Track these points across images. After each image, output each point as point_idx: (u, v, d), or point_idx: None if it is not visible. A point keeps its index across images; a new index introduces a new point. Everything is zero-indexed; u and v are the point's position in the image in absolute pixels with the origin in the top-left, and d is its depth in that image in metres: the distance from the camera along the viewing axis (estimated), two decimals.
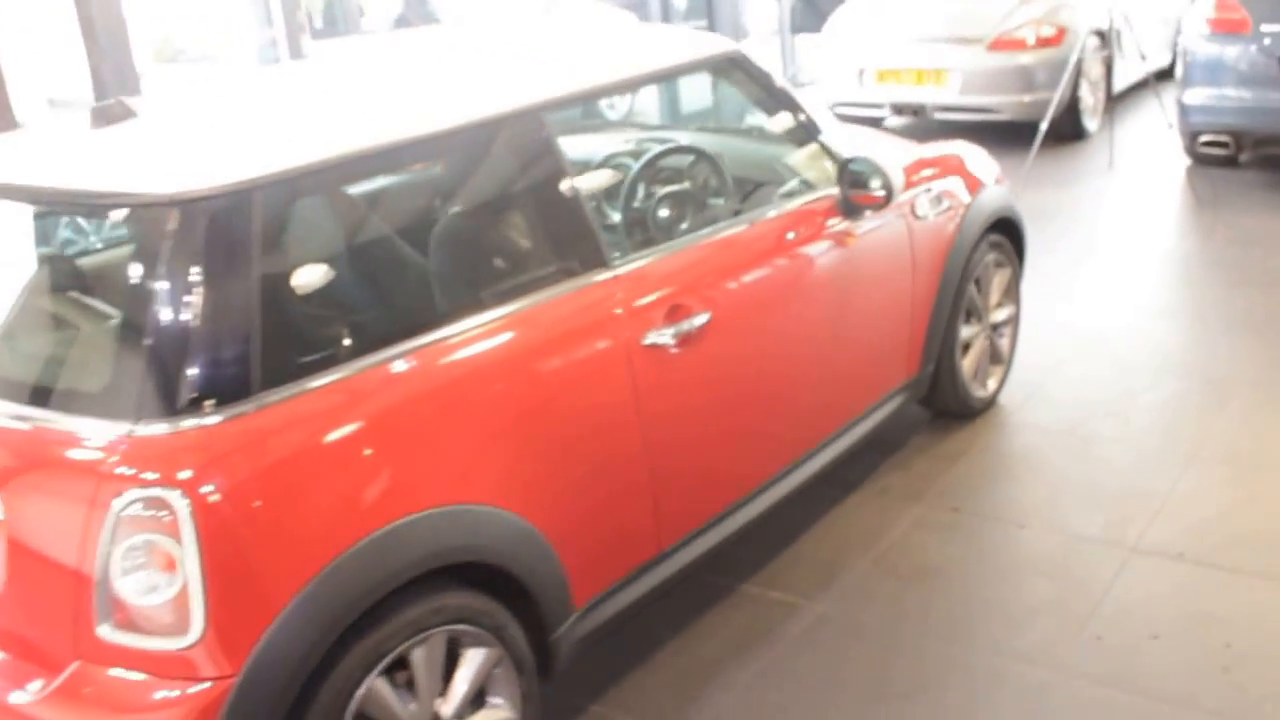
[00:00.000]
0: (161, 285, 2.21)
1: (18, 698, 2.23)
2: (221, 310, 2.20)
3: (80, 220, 2.86)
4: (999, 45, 8.06)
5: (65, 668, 2.20)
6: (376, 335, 2.44)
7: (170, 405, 2.15)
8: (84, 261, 2.77)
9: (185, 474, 2.09)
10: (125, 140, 2.51)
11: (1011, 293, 4.32)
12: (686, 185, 3.41)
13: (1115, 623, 3.05)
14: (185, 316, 2.18)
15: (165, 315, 2.19)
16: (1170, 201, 6.71)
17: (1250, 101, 6.53)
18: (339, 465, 2.25)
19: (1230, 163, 6.96)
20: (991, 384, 4.28)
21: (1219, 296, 5.23)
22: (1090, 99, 8.25)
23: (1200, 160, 7.07)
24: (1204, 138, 6.84)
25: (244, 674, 2.12)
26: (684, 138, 3.81)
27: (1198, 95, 6.73)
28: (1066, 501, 3.64)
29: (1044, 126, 7.26)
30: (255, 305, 2.23)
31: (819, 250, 3.38)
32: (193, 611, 2.10)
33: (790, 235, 3.29)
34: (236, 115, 2.74)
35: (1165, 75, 8.53)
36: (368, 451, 2.28)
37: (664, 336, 2.81)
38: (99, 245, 2.85)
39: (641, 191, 3.43)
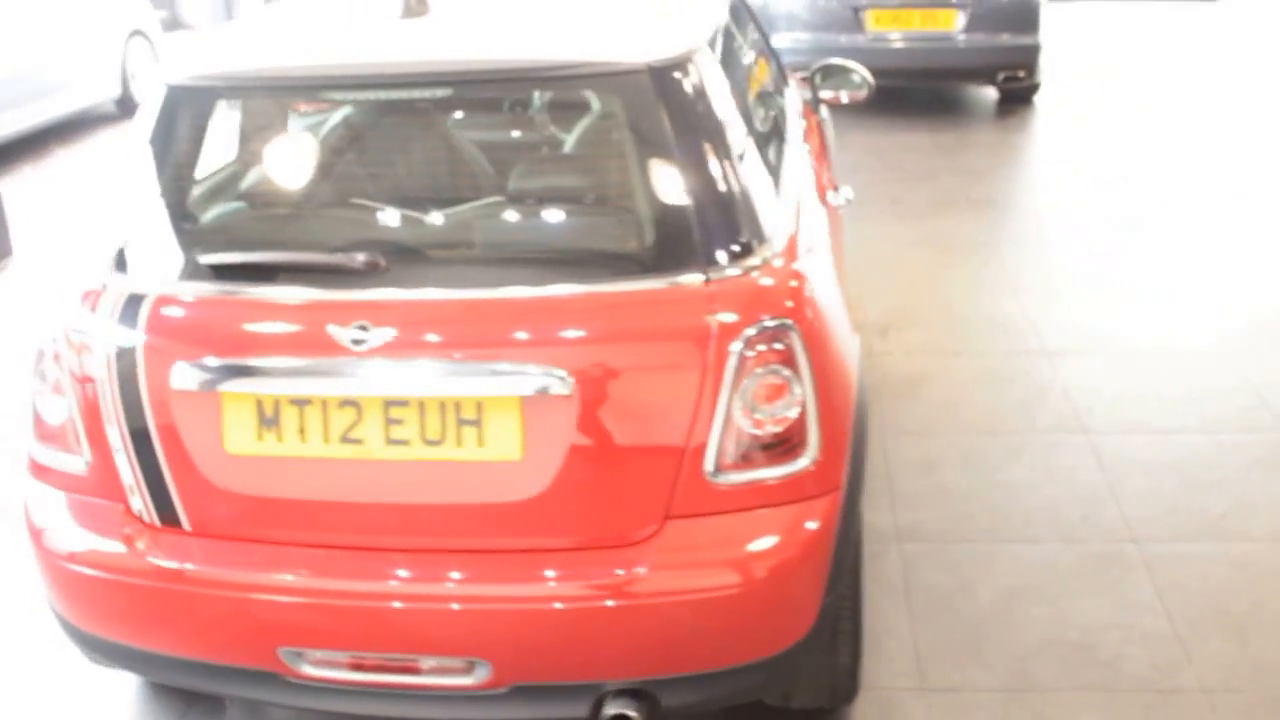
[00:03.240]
0: (672, 145, 2.28)
1: (603, 583, 2.18)
2: (722, 163, 2.32)
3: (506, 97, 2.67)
4: None
5: (648, 536, 2.20)
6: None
7: (730, 254, 2.25)
8: (543, 133, 2.60)
9: (790, 306, 2.22)
10: (464, 24, 2.47)
11: None
12: None
13: None
14: (708, 171, 2.29)
15: (692, 172, 2.27)
16: None
17: (826, 43, 7.93)
18: (835, 307, 2.45)
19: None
20: None
21: None
22: None
23: None
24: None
25: (844, 484, 2.29)
26: None
27: (783, 40, 8.01)
28: None
29: None
30: (736, 159, 2.37)
31: None
32: (809, 434, 2.23)
33: None
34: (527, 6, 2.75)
35: None
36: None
37: None
38: (553, 116, 2.67)
39: None
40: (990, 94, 8.86)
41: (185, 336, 2.28)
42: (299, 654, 2.26)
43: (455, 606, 2.19)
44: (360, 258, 2.22)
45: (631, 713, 2.21)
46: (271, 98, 2.62)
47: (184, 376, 2.23)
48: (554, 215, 2.48)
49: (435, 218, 2.46)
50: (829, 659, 2.46)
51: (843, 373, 2.39)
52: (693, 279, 2.21)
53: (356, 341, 2.16)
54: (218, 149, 2.54)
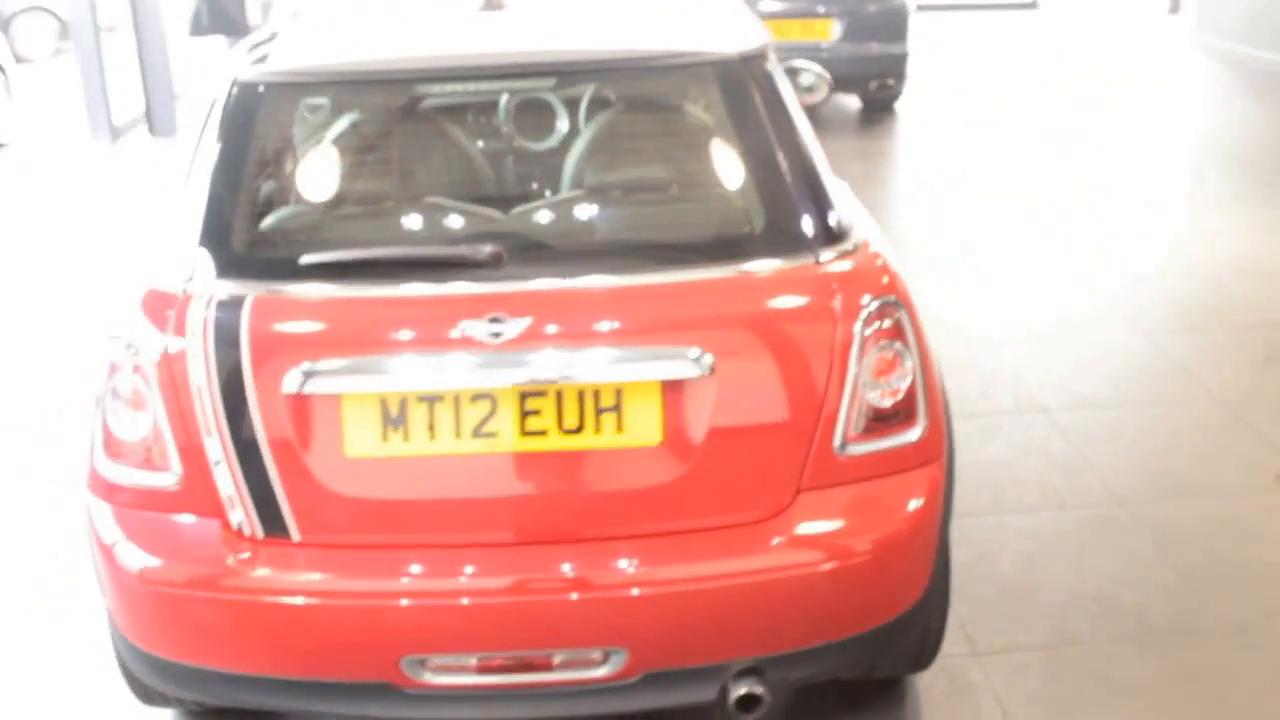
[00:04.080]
0: (769, 131, 2.36)
1: (742, 561, 2.21)
2: (810, 150, 2.41)
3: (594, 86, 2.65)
4: None
5: (781, 511, 2.24)
6: None
7: (829, 236, 2.34)
8: (636, 122, 2.57)
9: (888, 283, 2.33)
10: (542, 19, 2.48)
11: None
12: None
13: None
14: (803, 156, 2.37)
15: (789, 158, 2.35)
16: None
17: None
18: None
19: None
20: None
21: None
22: None
23: None
24: None
25: (945, 452, 2.39)
26: None
27: None
28: None
29: None
30: (816, 145, 2.45)
31: None
32: (919, 405, 2.33)
33: None
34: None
35: None
36: None
37: None
38: (643, 107, 2.64)
39: None
40: (852, 102, 9.24)
41: (299, 339, 2.20)
42: (421, 662, 2.19)
43: (595, 596, 2.17)
44: (486, 249, 2.19)
45: (759, 690, 2.24)
46: (362, 92, 2.55)
47: (299, 381, 2.15)
48: (663, 202, 2.50)
49: (546, 208, 2.45)
50: (929, 623, 2.56)
51: (930, 347, 2.50)
52: (805, 261, 2.29)
53: (494, 334, 2.13)
54: (300, 146, 2.46)
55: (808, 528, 2.23)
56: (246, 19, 10.01)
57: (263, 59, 2.40)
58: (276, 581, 2.19)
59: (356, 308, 2.22)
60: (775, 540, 2.21)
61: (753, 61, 2.41)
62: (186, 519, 2.25)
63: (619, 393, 2.17)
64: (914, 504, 2.31)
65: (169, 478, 2.24)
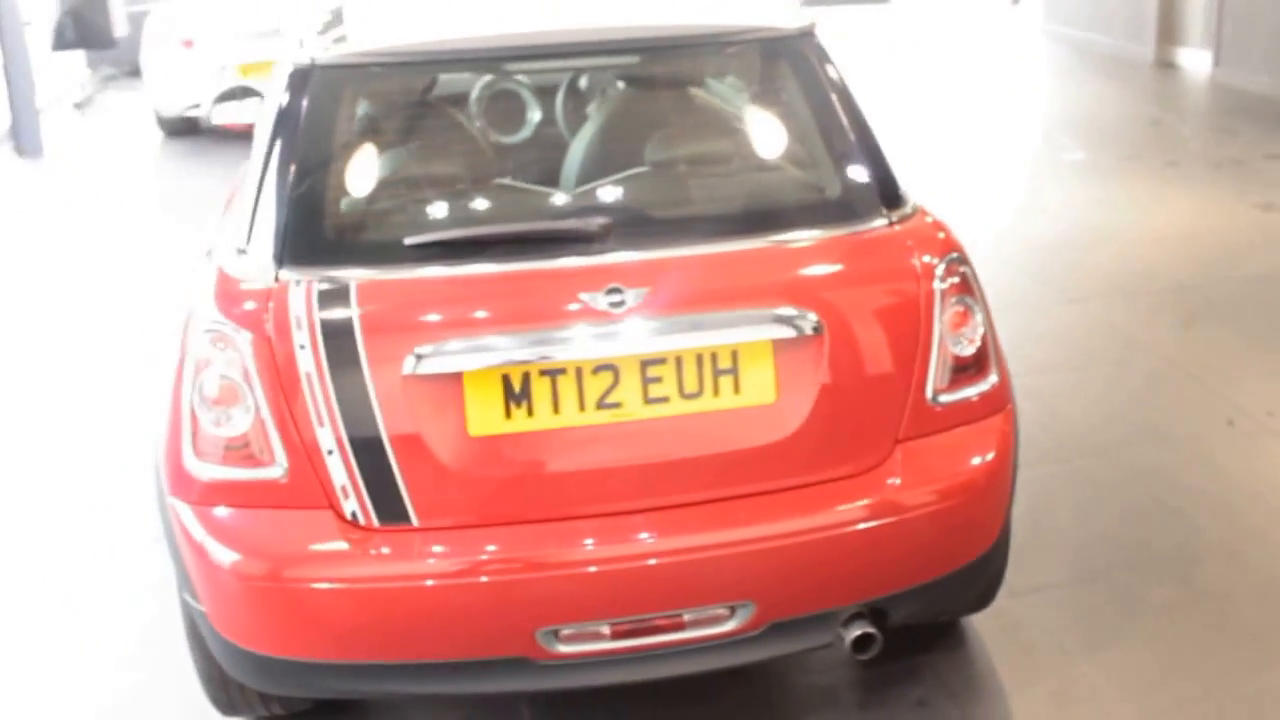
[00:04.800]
0: (834, 102, 2.50)
1: (854, 509, 2.32)
2: (867, 119, 2.54)
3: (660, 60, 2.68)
4: None
5: (882, 460, 2.36)
6: None
7: (895, 199, 2.48)
8: (706, 95, 2.62)
9: (952, 241, 2.48)
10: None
11: None
12: None
13: None
14: (865, 125, 2.51)
15: (856, 126, 2.49)
16: None
17: None
18: None
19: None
20: None
21: None
22: None
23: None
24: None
25: (1011, 398, 2.55)
26: None
27: None
28: None
29: None
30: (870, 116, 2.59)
31: None
32: (990, 354, 2.48)
33: None
34: None
35: None
36: None
37: None
38: (715, 78, 2.70)
39: None
40: None
41: (416, 321, 2.20)
42: (555, 633, 2.23)
43: (724, 553, 2.25)
44: (597, 222, 2.24)
45: (872, 630, 2.36)
46: (444, 71, 2.55)
47: (420, 363, 2.16)
48: (746, 171, 2.60)
49: (638, 181, 2.50)
50: (1000, 562, 2.71)
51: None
52: (881, 223, 2.41)
53: (615, 304, 2.19)
54: (383, 128, 2.44)
55: (909, 475, 2.35)
56: (113, 31, 9.64)
57: (340, 40, 2.39)
58: (405, 567, 2.19)
59: (472, 286, 2.24)
60: (882, 488, 2.33)
61: (809, 36, 2.53)
62: (295, 513, 2.21)
63: (735, 355, 2.25)
64: (995, 447, 2.45)
65: (274, 471, 2.20)
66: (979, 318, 2.45)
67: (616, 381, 2.21)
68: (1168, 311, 5.05)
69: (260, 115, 2.56)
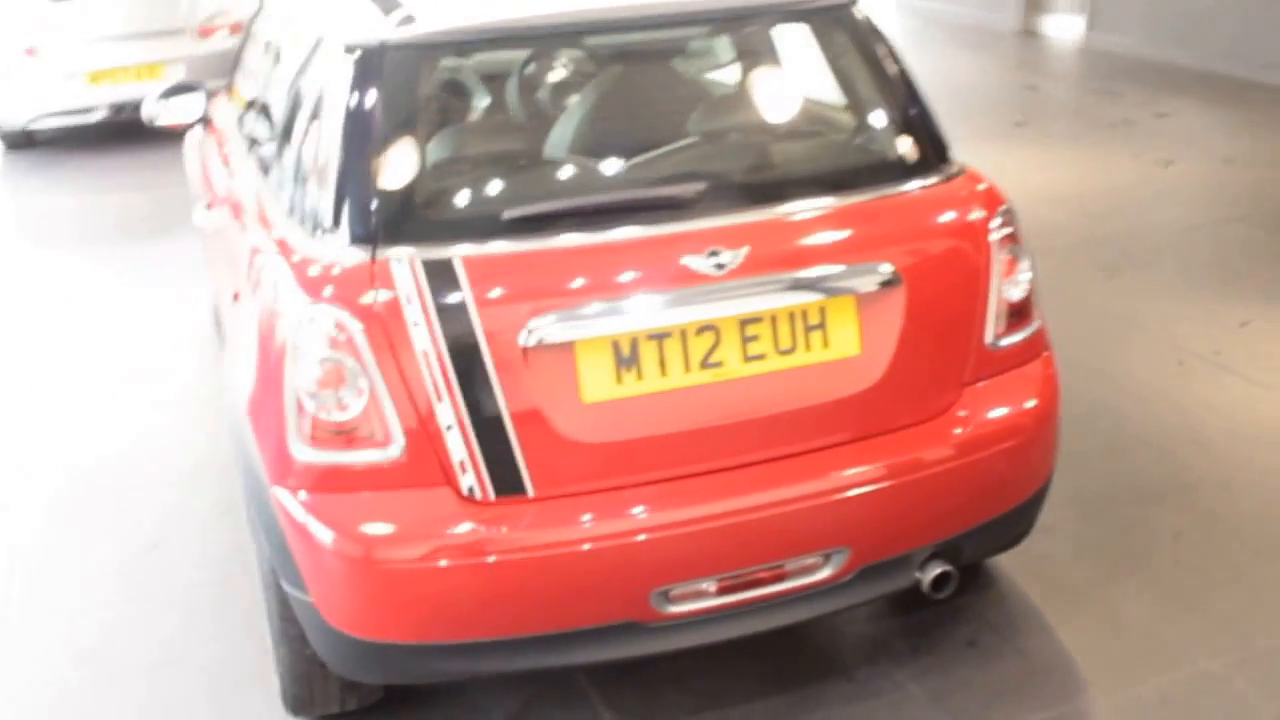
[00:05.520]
0: (884, 68, 2.61)
1: (936, 451, 2.43)
2: (915, 83, 2.65)
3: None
4: (205, 32, 8.38)
5: (952, 403, 2.48)
6: None
7: (945, 157, 2.60)
8: (785, 61, 2.72)
9: (996, 195, 2.60)
10: None
11: None
12: None
13: None
14: (915, 89, 2.62)
15: (906, 91, 2.61)
16: None
17: None
18: None
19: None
20: None
21: None
22: None
23: None
24: None
25: (1050, 344, 2.69)
26: None
27: None
28: None
29: None
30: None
31: None
32: (1034, 301, 2.62)
33: None
34: None
35: None
36: None
37: None
38: (778, 47, 2.74)
39: None
40: None
41: (527, 293, 2.21)
42: (665, 594, 2.27)
43: (821, 501, 2.33)
44: (693, 187, 2.28)
45: (949, 568, 2.48)
46: (517, 47, 2.54)
47: (534, 333, 2.18)
48: (818, 134, 2.69)
49: (719, 146, 2.55)
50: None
51: None
52: (939, 180, 2.53)
53: (718, 266, 2.23)
54: (458, 105, 2.43)
55: (978, 416, 2.48)
56: None
57: (407, 21, 2.36)
58: (526, 539, 2.20)
59: (579, 256, 2.25)
60: (956, 431, 2.44)
61: (855, 5, 2.62)
62: (412, 492, 2.20)
63: (823, 311, 2.32)
64: (1045, 386, 2.60)
65: (391, 451, 2.18)
66: (1026, 264, 2.58)
67: (718, 342, 2.26)
68: (1089, 267, 5.31)
69: (305, 99, 2.52)
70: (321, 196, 2.33)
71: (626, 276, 2.24)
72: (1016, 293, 2.55)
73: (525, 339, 2.17)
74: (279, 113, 2.82)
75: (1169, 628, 2.87)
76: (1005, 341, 2.53)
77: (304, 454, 2.21)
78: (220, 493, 3.53)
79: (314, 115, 2.47)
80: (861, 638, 2.92)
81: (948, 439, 2.43)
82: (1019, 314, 2.56)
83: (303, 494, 2.22)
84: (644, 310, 2.22)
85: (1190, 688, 2.68)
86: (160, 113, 3.94)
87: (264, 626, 2.67)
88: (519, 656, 2.29)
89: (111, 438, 4.04)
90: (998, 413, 2.50)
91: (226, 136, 3.61)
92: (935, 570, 2.46)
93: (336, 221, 2.28)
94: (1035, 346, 2.61)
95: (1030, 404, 2.55)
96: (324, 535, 2.19)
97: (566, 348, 2.20)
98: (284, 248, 2.40)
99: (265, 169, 2.88)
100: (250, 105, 3.29)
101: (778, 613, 2.40)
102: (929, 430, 2.44)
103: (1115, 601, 2.96)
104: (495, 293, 2.19)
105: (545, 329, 2.18)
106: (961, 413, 2.47)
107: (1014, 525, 2.65)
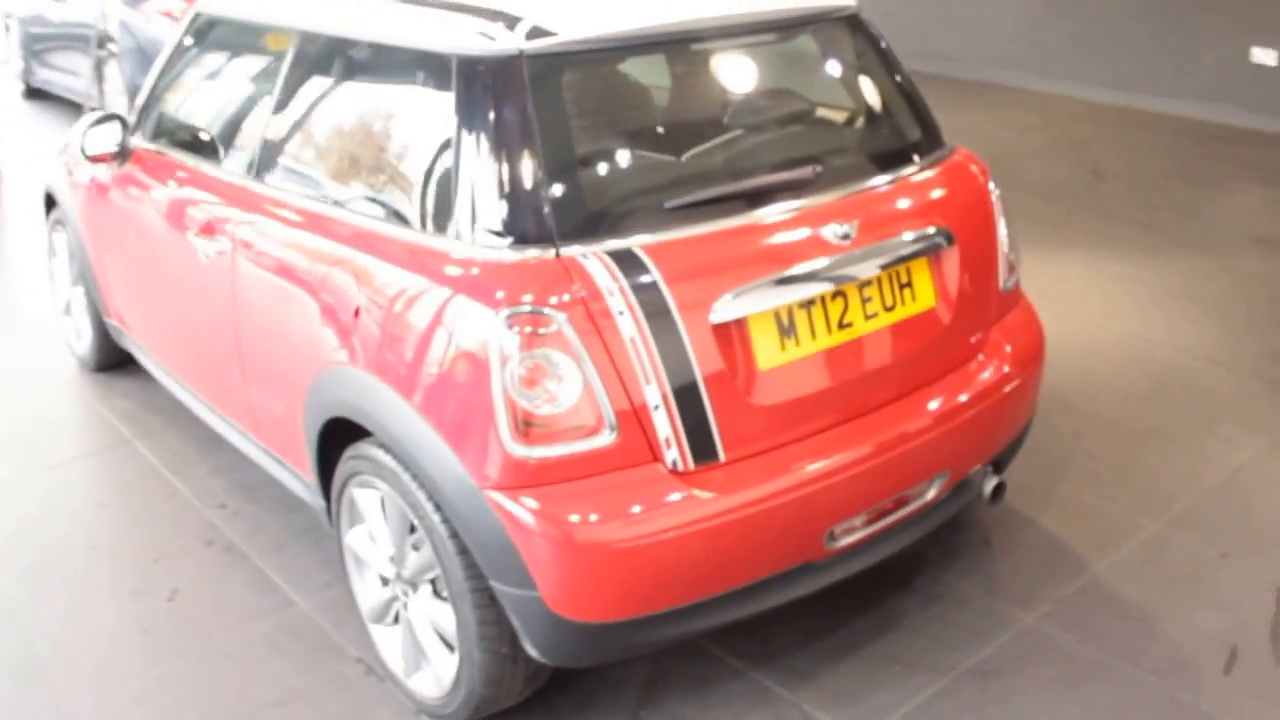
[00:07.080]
0: (895, 66, 3.10)
1: (999, 378, 2.90)
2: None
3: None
4: None
5: (987, 339, 2.98)
6: None
7: (941, 139, 3.11)
8: (828, 62, 3.12)
9: (984, 168, 3.15)
10: None
11: None
12: None
13: None
14: (912, 84, 3.10)
15: (912, 85, 3.10)
16: None
17: None
18: None
19: None
20: None
21: None
22: None
23: None
24: None
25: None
26: None
27: None
28: None
29: None
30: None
31: None
32: (1018, 255, 3.17)
33: None
34: None
35: None
36: None
37: None
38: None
39: None
40: None
41: (709, 275, 2.45)
42: (832, 533, 2.59)
43: (935, 433, 2.74)
44: (813, 170, 2.66)
45: (1002, 478, 3.01)
46: (646, 54, 2.73)
47: (721, 312, 2.42)
48: (867, 122, 3.09)
49: (798, 135, 2.93)
50: None
51: None
52: (949, 154, 3.06)
53: (844, 236, 2.60)
54: (586, 110, 2.56)
55: (1010, 349, 2.99)
56: None
57: (536, 32, 2.51)
58: (729, 500, 2.41)
59: (739, 236, 2.53)
60: (1004, 363, 2.94)
61: (860, 14, 3.09)
62: (625, 473, 2.36)
63: (909, 270, 2.76)
64: (1035, 319, 3.18)
65: (606, 437, 2.34)
66: (1005, 224, 3.13)
67: (847, 305, 2.63)
68: None
69: (431, 110, 2.61)
70: (485, 206, 2.43)
71: (782, 252, 2.55)
72: (1010, 246, 3.11)
73: (713, 317, 2.42)
74: (365, 136, 2.85)
75: (1112, 506, 3.52)
76: (1009, 285, 3.08)
77: (521, 451, 2.31)
78: None
79: (453, 129, 2.53)
80: (900, 558, 3.14)
81: (999, 369, 2.92)
82: (1011, 265, 3.12)
83: (523, 491, 2.32)
84: (799, 281, 2.53)
85: (1152, 547, 3.34)
86: (87, 145, 3.63)
87: None
88: (722, 611, 2.51)
89: None
90: (1020, 343, 3.03)
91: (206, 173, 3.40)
92: (994, 481, 2.97)
93: (510, 228, 2.40)
94: (1018, 290, 3.19)
95: (1037, 336, 3.13)
96: (548, 527, 2.30)
97: (742, 323, 2.47)
98: (444, 259, 2.47)
99: (337, 196, 2.86)
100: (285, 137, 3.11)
101: (902, 535, 2.79)
102: (984, 363, 2.92)
103: (1065, 495, 3.59)
104: (684, 277, 2.42)
105: (728, 307, 2.43)
106: (999, 346, 2.98)
107: (1024, 437, 3.20)
